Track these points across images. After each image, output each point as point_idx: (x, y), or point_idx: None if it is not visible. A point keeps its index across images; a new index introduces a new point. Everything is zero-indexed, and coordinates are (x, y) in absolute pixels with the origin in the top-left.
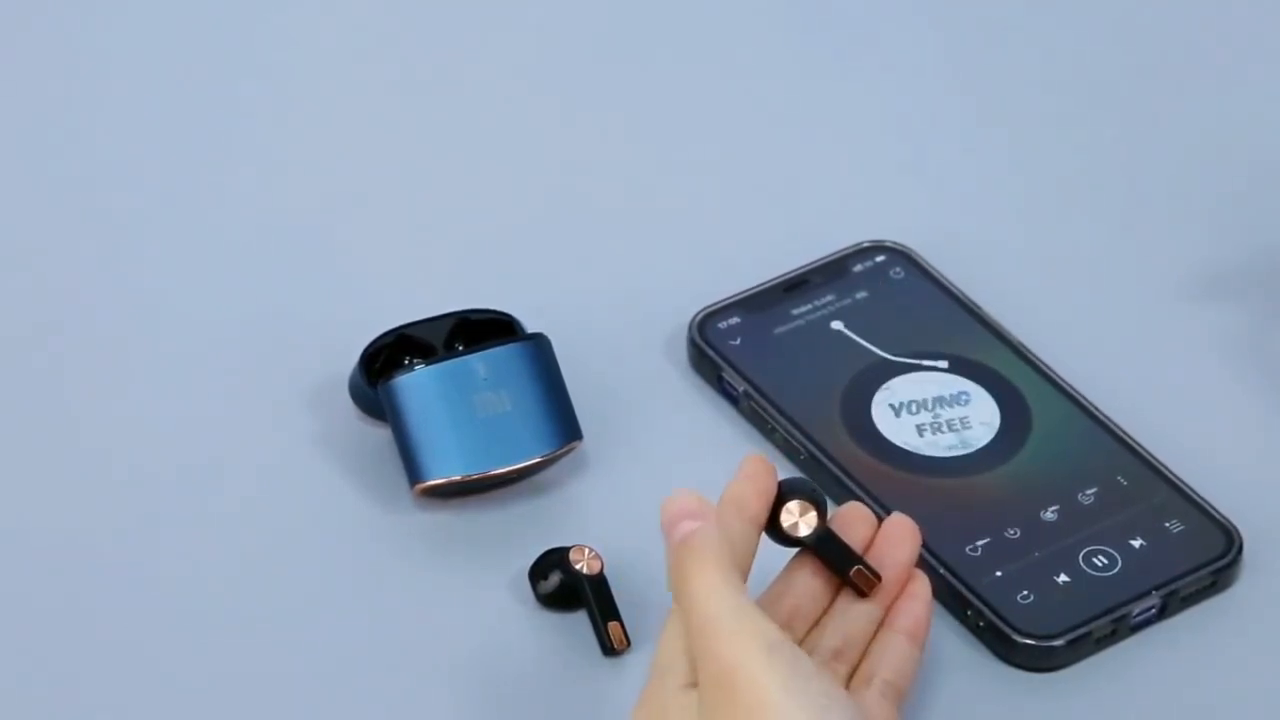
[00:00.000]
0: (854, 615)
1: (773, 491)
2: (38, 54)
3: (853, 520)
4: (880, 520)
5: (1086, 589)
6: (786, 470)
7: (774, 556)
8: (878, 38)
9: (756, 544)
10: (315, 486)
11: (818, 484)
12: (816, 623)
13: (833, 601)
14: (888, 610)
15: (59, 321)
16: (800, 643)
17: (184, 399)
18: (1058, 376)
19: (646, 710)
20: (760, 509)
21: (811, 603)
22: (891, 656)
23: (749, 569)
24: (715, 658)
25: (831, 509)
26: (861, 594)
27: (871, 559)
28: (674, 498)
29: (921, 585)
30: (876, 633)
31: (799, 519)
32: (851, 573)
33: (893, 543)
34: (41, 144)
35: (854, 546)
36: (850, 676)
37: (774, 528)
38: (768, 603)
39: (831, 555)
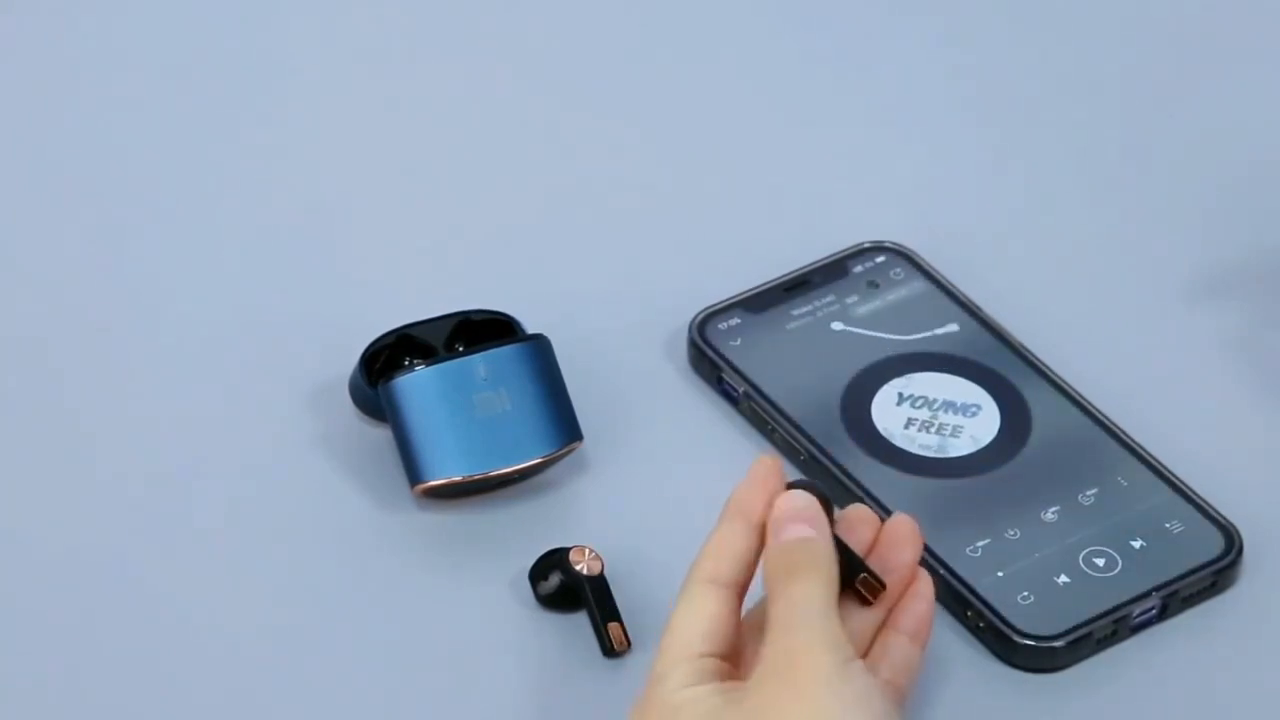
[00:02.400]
0: (857, 616)
1: (780, 496)
2: (38, 55)
3: (856, 522)
4: (883, 521)
5: (1086, 589)
6: (786, 471)
7: None
8: (878, 38)
9: (761, 549)
10: (315, 486)
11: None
12: None
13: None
14: (890, 611)
15: (59, 322)
16: None
17: (184, 399)
18: (1057, 376)
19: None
20: (766, 514)
21: None
22: (893, 657)
23: (753, 574)
24: (788, 652)
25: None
26: (866, 602)
27: (874, 561)
28: (791, 496)
29: (924, 585)
30: (878, 633)
31: None
32: (857, 581)
33: (895, 544)
34: (42, 144)
35: (857, 548)
36: None
37: None
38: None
39: (837, 562)
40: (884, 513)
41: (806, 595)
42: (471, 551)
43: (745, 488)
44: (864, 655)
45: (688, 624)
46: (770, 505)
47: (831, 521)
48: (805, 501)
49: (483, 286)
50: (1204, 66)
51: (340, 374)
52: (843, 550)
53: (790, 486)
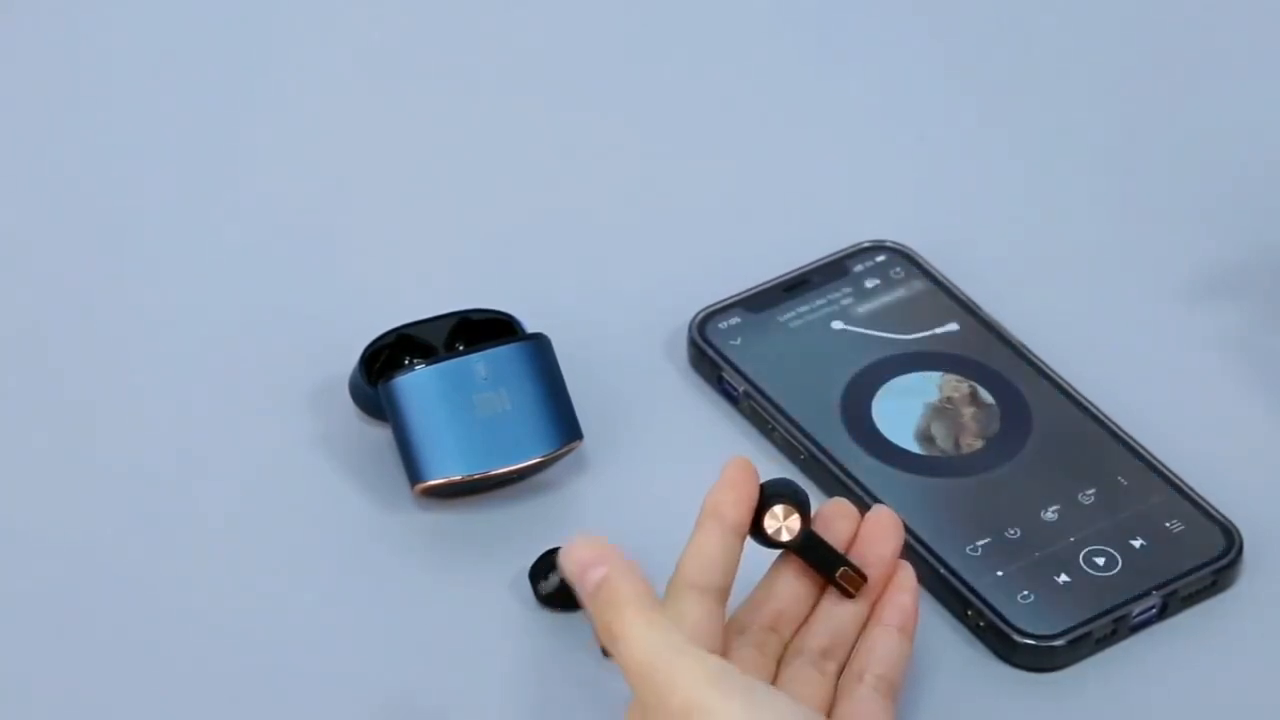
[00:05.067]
0: (840, 612)
1: (754, 497)
2: (40, 54)
3: (835, 517)
4: (863, 513)
5: (1086, 589)
6: (785, 470)
7: (758, 556)
8: (878, 38)
9: (740, 551)
10: (315, 486)
11: (816, 484)
12: (803, 623)
13: (818, 600)
14: (874, 604)
15: (59, 321)
16: (787, 644)
17: (184, 398)
18: (1058, 376)
19: None
20: (742, 516)
21: (797, 604)
22: (882, 651)
23: (733, 577)
24: (664, 705)
25: (821, 503)
26: (848, 595)
27: (855, 554)
28: (571, 550)
29: (906, 576)
30: (864, 628)
31: (782, 523)
32: (837, 575)
33: (876, 538)
34: (43, 143)
35: (838, 543)
36: (840, 674)
37: (758, 532)
38: (753, 606)
39: (816, 558)
40: None
41: (631, 633)
42: (471, 551)
43: (719, 490)
44: (850, 651)
45: None
46: (747, 507)
47: (808, 519)
48: (582, 548)
49: (483, 286)
50: (1204, 66)
51: (340, 374)
52: (819, 545)
53: (765, 487)
